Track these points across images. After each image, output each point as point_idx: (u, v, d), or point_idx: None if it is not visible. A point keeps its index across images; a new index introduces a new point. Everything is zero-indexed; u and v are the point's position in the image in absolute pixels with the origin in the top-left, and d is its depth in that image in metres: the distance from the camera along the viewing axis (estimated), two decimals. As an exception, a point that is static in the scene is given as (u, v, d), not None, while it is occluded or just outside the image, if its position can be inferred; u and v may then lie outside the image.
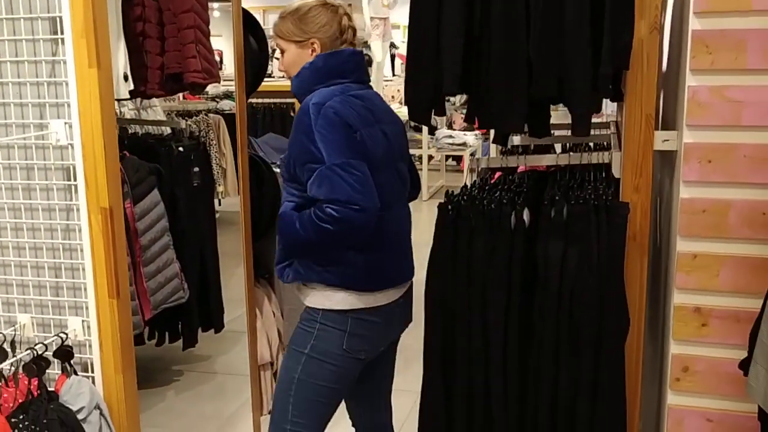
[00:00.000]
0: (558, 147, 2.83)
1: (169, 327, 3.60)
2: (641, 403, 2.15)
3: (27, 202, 1.93)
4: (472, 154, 7.94)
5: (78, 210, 1.87)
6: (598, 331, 1.98)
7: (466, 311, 2.08)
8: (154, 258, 3.18)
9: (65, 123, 1.82)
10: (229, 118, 5.19)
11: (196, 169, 3.72)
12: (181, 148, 3.64)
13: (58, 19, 1.78)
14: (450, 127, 8.53)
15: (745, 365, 1.70)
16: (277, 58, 2.00)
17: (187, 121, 4.62)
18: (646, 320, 2.12)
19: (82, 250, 1.88)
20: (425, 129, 7.56)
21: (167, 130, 4.04)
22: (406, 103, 2.09)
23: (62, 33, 1.78)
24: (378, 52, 7.71)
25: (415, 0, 2.00)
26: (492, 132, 7.14)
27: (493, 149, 7.28)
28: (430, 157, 8.06)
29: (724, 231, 1.86)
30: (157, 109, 4.66)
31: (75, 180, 1.85)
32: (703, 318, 1.91)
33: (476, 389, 2.11)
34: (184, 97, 6.05)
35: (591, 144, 2.67)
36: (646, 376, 2.22)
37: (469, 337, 2.09)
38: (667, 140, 1.96)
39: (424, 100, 2.02)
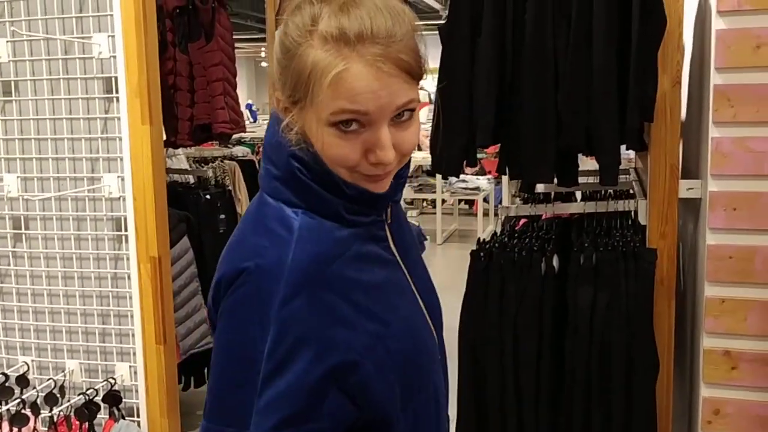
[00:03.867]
0: (578, 194, 2.90)
1: (195, 372, 3.65)
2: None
3: (77, 251, 2.01)
4: (485, 199, 8.03)
5: (127, 259, 1.95)
6: (628, 374, 2.03)
7: (499, 355, 2.14)
8: (183, 303, 3.25)
9: (118, 176, 1.91)
10: (243, 164, 5.31)
11: (222, 216, 3.82)
12: (208, 196, 3.75)
13: (113, 79, 1.88)
14: (463, 171, 8.63)
15: (777, 407, 1.75)
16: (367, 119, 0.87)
17: (209, 167, 4.73)
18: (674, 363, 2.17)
19: (130, 298, 1.95)
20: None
21: (191, 178, 4.15)
22: (434, 156, 2.17)
23: (117, 92, 1.88)
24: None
25: (448, 55, 2.10)
26: (504, 177, 7.22)
27: (506, 194, 7.39)
28: (443, 201, 8.16)
29: (751, 276, 1.92)
30: (180, 157, 4.77)
31: (125, 230, 1.93)
32: (733, 361, 1.96)
33: (509, 432, 2.16)
34: (201, 144, 6.19)
35: (611, 191, 2.75)
36: (676, 418, 2.25)
37: (502, 380, 2.14)
38: (692, 188, 2.04)
39: (458, 152, 2.10)
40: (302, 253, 0.89)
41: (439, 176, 7.85)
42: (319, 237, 0.91)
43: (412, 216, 8.60)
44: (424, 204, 9.47)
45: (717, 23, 1.89)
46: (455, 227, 8.40)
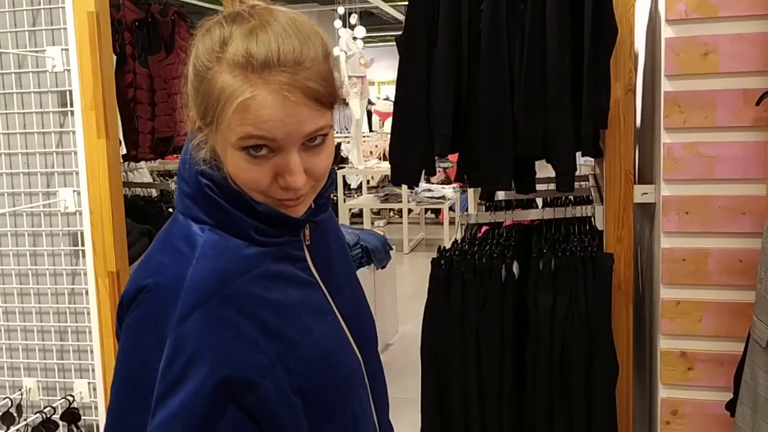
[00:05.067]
0: (539, 200, 2.94)
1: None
2: (633, 447, 2.21)
3: (33, 267, 1.98)
4: (451, 207, 8.07)
5: (85, 274, 1.92)
6: (588, 376, 2.06)
7: (462, 362, 2.15)
8: (146, 319, 3.21)
9: (74, 191, 1.89)
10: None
11: (185, 229, 3.79)
12: (170, 209, 3.72)
13: (67, 93, 1.87)
14: (428, 180, 8.68)
15: (731, 406, 1.78)
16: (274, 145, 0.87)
17: (171, 179, 4.70)
18: (634, 365, 2.20)
19: (88, 313, 1.93)
20: (405, 183, 7.71)
21: (154, 191, 4.12)
22: (393, 166, 2.18)
23: (72, 105, 1.86)
24: (356, 109, 7.90)
25: (404, 66, 2.12)
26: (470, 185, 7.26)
27: (472, 202, 7.44)
28: (410, 211, 8.18)
29: (704, 278, 1.96)
30: (143, 171, 4.73)
31: (82, 245, 1.91)
32: (689, 362, 1.99)
33: (474, 440, 2.17)
34: (165, 157, 6.18)
35: (572, 197, 2.78)
36: (636, 419, 2.28)
37: (464, 386, 2.15)
38: (646, 193, 2.08)
39: (416, 162, 2.12)
40: (202, 270, 0.87)
41: (404, 186, 7.90)
42: (223, 254, 0.89)
43: (379, 226, 8.61)
44: (391, 214, 9.49)
45: (666, 31, 1.93)
46: (422, 236, 8.43)
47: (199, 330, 0.84)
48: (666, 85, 1.95)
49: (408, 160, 2.14)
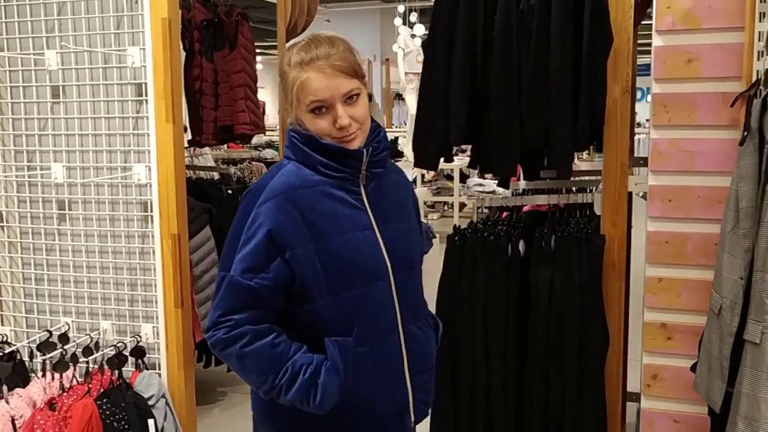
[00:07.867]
0: (565, 190, 3.20)
1: (215, 351, 4.00)
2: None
3: (111, 229, 2.38)
4: (501, 201, 8.29)
5: (152, 236, 2.30)
6: (581, 343, 2.33)
7: (470, 327, 2.45)
8: (204, 287, 3.61)
9: (146, 166, 2.27)
10: (271, 166, 5.70)
11: (243, 209, 4.18)
12: (230, 191, 4.12)
13: (143, 85, 2.25)
14: (483, 176, 8.91)
15: (695, 368, 2.04)
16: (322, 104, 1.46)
17: (235, 167, 5.13)
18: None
19: (154, 269, 2.31)
20: (456, 177, 7.99)
21: (216, 175, 4.53)
22: (416, 153, 2.49)
23: (146, 95, 2.24)
24: (412, 105, 8.20)
25: (428, 67, 2.43)
26: (521, 182, 7.41)
27: (521, 197, 7.66)
28: (463, 205, 8.45)
29: (684, 259, 2.22)
30: (207, 156, 5.17)
31: (151, 212, 2.29)
32: (668, 332, 2.25)
33: (479, 395, 2.47)
34: (228, 146, 6.63)
35: (594, 187, 3.03)
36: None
37: (472, 348, 2.46)
38: (639, 183, 2.34)
39: (436, 149, 2.43)
40: (278, 181, 1.50)
41: (456, 180, 8.19)
42: (294, 174, 1.51)
43: (433, 219, 8.91)
44: (445, 207, 9.77)
45: (656, 40, 2.20)
46: (472, 229, 8.68)
47: (267, 211, 1.46)
48: (655, 88, 2.21)
49: (429, 149, 2.45)
